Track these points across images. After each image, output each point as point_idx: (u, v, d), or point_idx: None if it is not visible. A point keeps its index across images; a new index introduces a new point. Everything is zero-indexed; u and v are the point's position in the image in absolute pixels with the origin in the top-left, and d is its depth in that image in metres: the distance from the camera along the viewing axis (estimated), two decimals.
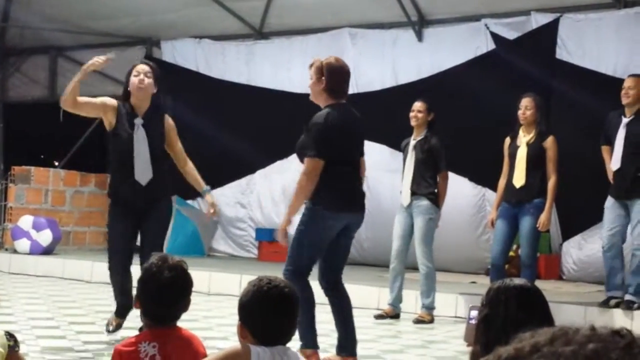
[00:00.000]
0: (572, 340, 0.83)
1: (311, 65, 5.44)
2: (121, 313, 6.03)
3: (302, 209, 5.37)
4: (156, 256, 3.12)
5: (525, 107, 7.59)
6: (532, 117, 7.58)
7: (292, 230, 5.45)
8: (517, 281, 2.58)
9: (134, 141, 5.96)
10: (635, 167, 7.37)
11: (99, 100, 6.07)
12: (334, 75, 5.36)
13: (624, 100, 7.50)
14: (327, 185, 5.18)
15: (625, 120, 7.52)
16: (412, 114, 7.89)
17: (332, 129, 5.21)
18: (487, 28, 10.88)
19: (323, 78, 5.33)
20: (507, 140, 7.81)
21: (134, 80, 6.01)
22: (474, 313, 2.61)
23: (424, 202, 7.71)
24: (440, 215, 7.87)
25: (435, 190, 7.78)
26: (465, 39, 11.07)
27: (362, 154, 5.69)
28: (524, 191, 7.50)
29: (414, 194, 7.75)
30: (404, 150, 8.07)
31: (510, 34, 10.78)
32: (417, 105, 7.90)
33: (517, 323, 2.37)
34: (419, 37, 11.42)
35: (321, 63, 5.39)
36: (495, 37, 10.83)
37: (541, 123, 7.64)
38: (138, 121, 6.03)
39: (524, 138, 7.61)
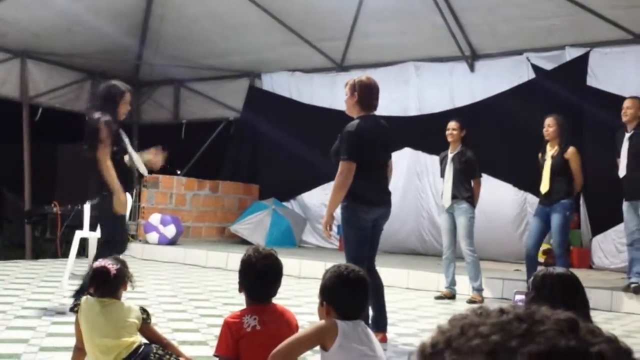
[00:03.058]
0: (478, 333, 0.75)
1: (346, 84, 5.26)
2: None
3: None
4: (251, 248, 3.13)
5: (548, 125, 7.48)
6: (554, 134, 7.45)
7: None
8: (559, 270, 2.52)
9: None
10: (638, 173, 7.16)
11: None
12: (364, 90, 5.16)
13: (623, 118, 7.33)
14: (358, 184, 4.96)
15: (627, 134, 7.34)
16: (448, 132, 7.75)
17: (361, 136, 4.98)
18: (529, 60, 10.71)
19: (355, 93, 5.15)
20: (540, 154, 7.70)
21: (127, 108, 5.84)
22: (519, 296, 2.56)
23: (464, 205, 7.59)
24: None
25: (471, 194, 7.67)
26: (510, 69, 10.91)
27: (389, 157, 5.39)
28: (551, 195, 7.39)
29: (455, 197, 7.63)
30: (442, 161, 7.95)
31: (548, 65, 10.58)
32: (452, 124, 7.77)
33: (560, 305, 2.32)
34: (472, 68, 11.30)
35: (354, 81, 5.22)
36: (535, 68, 10.66)
37: (563, 138, 7.48)
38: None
39: (550, 152, 7.49)
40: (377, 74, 11.96)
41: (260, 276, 3.01)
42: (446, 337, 0.77)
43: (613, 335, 0.76)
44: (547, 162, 7.47)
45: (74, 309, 3.46)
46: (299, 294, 7.52)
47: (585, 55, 10.20)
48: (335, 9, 11.22)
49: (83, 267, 8.31)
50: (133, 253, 11.03)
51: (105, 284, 3.42)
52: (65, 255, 8.66)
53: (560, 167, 7.36)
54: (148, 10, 12.16)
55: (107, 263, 3.45)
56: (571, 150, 7.39)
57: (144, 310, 3.50)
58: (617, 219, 8.82)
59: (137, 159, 5.87)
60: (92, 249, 8.27)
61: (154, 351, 3.38)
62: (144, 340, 3.44)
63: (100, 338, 3.35)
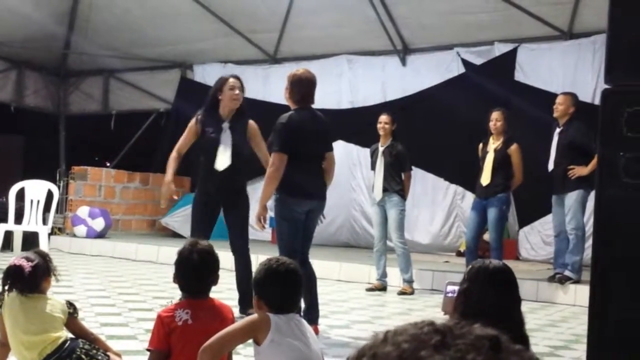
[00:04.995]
0: (394, 341, 0.74)
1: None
2: None
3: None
4: (187, 241, 3.08)
5: (496, 119, 7.52)
6: (501, 128, 7.51)
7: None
8: (494, 262, 2.55)
9: (220, 140, 5.68)
10: (564, 168, 7.33)
11: (188, 132, 5.86)
12: (296, 84, 5.14)
13: (554, 114, 7.48)
14: (290, 176, 4.91)
15: (557, 129, 7.50)
16: (379, 125, 7.72)
17: (293, 127, 4.94)
18: (459, 55, 10.86)
19: (288, 86, 5.16)
20: (480, 145, 7.75)
21: (230, 93, 5.81)
22: (451, 287, 2.58)
23: (395, 198, 7.61)
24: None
25: (402, 187, 7.71)
26: (440, 64, 11.04)
27: (326, 150, 5.31)
28: (490, 188, 7.46)
29: (386, 190, 7.63)
30: (372, 154, 7.95)
31: (478, 60, 10.76)
32: (383, 117, 7.74)
33: (492, 296, 2.35)
34: (403, 62, 11.39)
35: (291, 73, 5.21)
36: (465, 62, 10.81)
37: (508, 132, 7.58)
38: (225, 125, 5.78)
39: (493, 145, 7.55)
40: (310, 67, 11.84)
41: (195, 270, 2.96)
42: (371, 344, 0.77)
43: (534, 357, 0.74)
44: (489, 155, 7.52)
45: None
46: (232, 288, 7.45)
47: (513, 50, 10.41)
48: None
49: (8, 260, 8.07)
50: (60, 246, 10.78)
51: (19, 282, 3.31)
52: None
53: (502, 162, 7.43)
54: None
55: (21, 260, 3.34)
56: (514, 147, 7.47)
57: (70, 304, 3.41)
58: (543, 211, 9.05)
59: (222, 151, 5.66)
60: (18, 242, 8.05)
61: (81, 346, 3.29)
62: (70, 335, 3.35)
63: (24, 333, 3.25)
